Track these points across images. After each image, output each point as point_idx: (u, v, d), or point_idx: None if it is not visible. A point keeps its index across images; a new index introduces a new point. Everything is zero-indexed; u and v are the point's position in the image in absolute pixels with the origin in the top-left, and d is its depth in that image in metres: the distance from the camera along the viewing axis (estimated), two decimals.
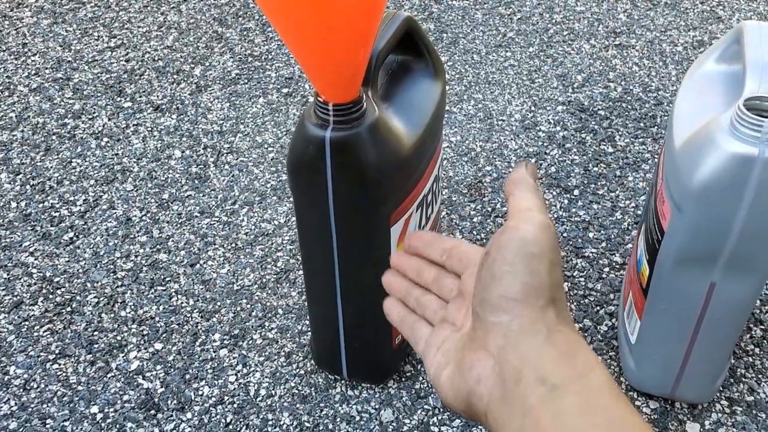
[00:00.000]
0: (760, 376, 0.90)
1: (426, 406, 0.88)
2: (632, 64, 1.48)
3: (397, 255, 0.50)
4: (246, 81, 1.46)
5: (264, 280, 1.05)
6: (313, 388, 0.90)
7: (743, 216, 0.68)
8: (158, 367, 0.93)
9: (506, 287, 0.35)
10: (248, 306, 1.01)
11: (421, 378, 0.91)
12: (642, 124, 1.33)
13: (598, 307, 0.99)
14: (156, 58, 1.52)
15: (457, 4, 1.69)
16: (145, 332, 0.98)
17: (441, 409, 0.88)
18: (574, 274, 1.04)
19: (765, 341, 0.94)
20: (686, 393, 0.85)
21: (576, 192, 1.19)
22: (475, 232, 1.12)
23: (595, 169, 1.24)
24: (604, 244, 1.09)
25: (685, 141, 0.72)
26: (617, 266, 1.06)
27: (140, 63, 1.51)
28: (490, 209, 1.17)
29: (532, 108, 1.38)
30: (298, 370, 0.93)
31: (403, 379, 0.91)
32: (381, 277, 0.79)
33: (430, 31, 1.62)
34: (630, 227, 1.12)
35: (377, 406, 0.88)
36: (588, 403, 0.32)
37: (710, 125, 0.69)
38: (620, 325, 0.92)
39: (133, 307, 1.01)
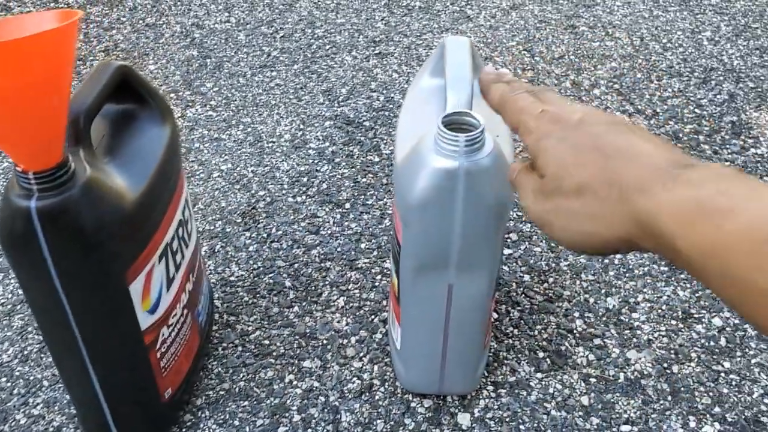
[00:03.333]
0: (519, 355, 0.98)
1: None
2: (392, 71, 1.55)
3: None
4: None
5: (25, 352, 0.97)
6: None
7: (459, 224, 0.73)
8: None
9: None
10: (9, 384, 0.94)
11: (201, 425, 0.89)
12: None
13: (373, 316, 1.03)
14: None
15: (219, 27, 1.68)
16: None
17: None
18: (349, 287, 1.07)
19: (522, 321, 1.02)
20: (452, 387, 0.90)
21: (347, 205, 1.23)
22: (251, 261, 1.12)
23: (364, 180, 1.28)
24: (375, 253, 1.13)
25: (403, 158, 0.76)
26: (388, 272, 1.10)
27: None
28: (265, 235, 1.17)
29: (301, 126, 1.40)
30: None
31: (184, 430, 0.89)
32: (129, 339, 0.76)
33: (193, 58, 1.59)
34: None
35: None
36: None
37: (420, 143, 0.73)
38: (389, 332, 0.96)
39: None
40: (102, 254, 0.69)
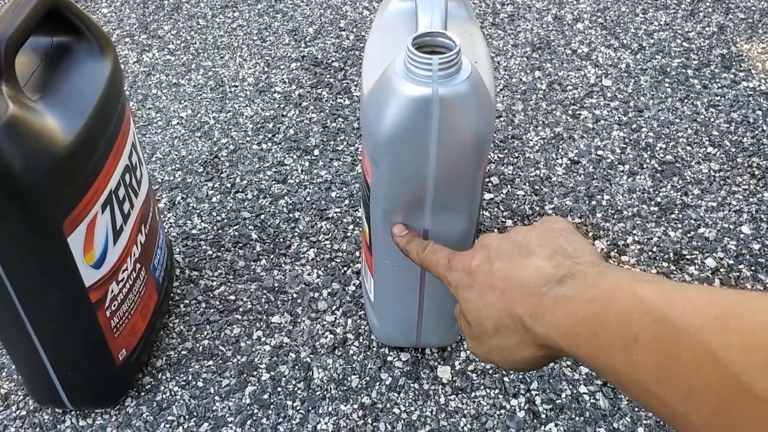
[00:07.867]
0: None
1: (170, 417, 0.80)
2: (362, 8, 1.45)
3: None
4: None
5: None
6: (38, 428, 0.79)
7: (434, 159, 0.65)
8: None
9: None
10: None
11: (162, 387, 0.83)
12: None
13: (345, 268, 0.96)
14: None
15: None
16: None
17: (186, 417, 0.80)
18: (320, 238, 1.00)
19: None
20: (430, 339, 0.84)
21: (316, 152, 1.15)
22: (215, 213, 1.04)
23: (333, 124, 1.20)
24: (347, 202, 1.06)
25: (370, 90, 0.68)
26: (361, 222, 1.03)
27: None
28: (229, 185, 1.09)
29: (266, 69, 1.31)
30: (18, 411, 0.81)
31: (143, 393, 0.82)
32: (72, 297, 0.69)
33: (149, 0, 1.49)
34: None
35: (115, 431, 0.79)
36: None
37: (388, 70, 0.65)
38: (362, 283, 0.89)
39: None
40: (33, 203, 0.61)
